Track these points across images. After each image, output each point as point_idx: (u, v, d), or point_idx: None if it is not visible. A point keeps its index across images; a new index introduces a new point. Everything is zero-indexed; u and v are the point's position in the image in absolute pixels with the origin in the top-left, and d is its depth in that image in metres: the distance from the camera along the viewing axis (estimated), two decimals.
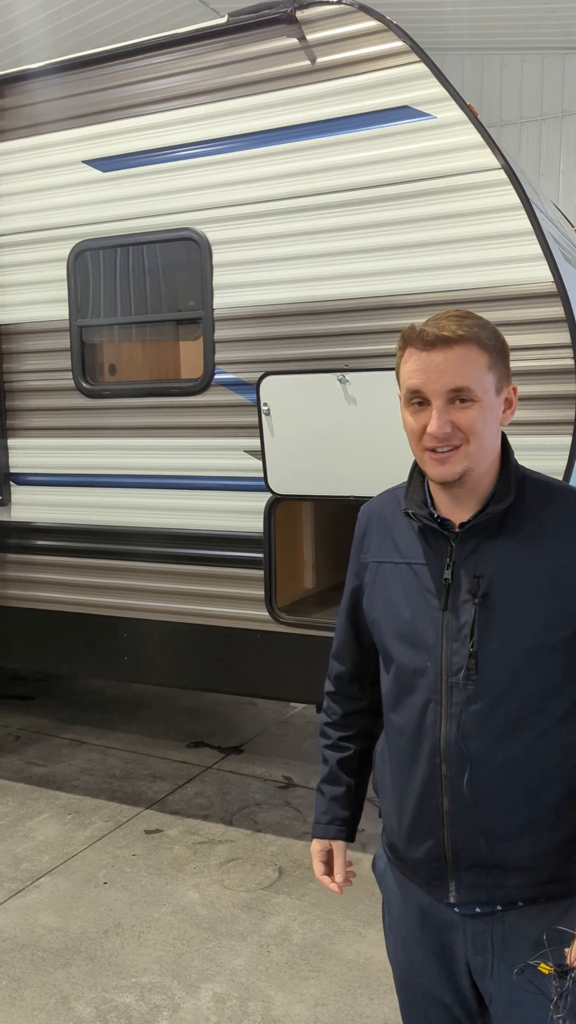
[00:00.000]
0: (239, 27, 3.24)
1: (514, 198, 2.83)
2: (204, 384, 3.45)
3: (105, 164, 3.59)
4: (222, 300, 3.38)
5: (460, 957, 1.54)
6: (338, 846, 1.75)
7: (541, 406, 2.87)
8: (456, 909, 1.52)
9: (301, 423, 3.21)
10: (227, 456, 3.43)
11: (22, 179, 3.79)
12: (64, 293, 3.73)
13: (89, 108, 3.60)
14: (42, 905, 3.29)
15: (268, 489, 3.32)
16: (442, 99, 2.91)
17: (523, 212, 2.82)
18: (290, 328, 3.24)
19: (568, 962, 1.36)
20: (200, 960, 2.93)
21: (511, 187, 2.83)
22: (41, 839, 3.83)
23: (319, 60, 3.11)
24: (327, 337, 3.17)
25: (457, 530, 1.47)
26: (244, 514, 3.41)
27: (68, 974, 2.88)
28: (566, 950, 1.38)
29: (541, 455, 2.89)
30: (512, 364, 2.77)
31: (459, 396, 1.39)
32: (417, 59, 2.94)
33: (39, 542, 3.95)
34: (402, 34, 2.97)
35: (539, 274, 2.82)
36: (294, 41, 3.15)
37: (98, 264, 3.68)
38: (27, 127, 3.75)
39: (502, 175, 2.84)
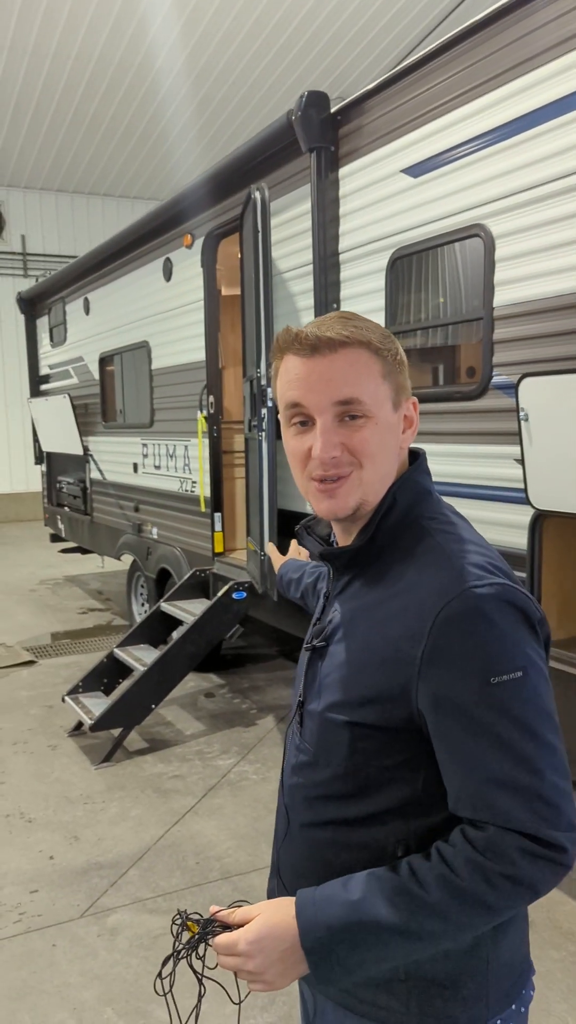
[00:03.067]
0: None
1: None
2: (482, 388, 3.26)
3: (416, 170, 3.60)
4: (501, 298, 3.15)
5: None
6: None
7: None
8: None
9: (560, 430, 2.84)
10: (501, 465, 3.20)
11: (358, 197, 4.00)
12: (382, 302, 3.85)
13: (405, 117, 3.64)
14: None
15: (528, 502, 3.01)
16: None
17: None
18: (554, 324, 2.88)
19: (201, 920, 1.16)
20: None
21: None
22: None
23: None
24: None
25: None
26: (507, 528, 3.14)
27: None
28: (211, 909, 1.17)
29: None
30: None
31: (349, 411, 1.15)
32: None
33: None
34: None
35: None
36: None
37: (407, 271, 3.71)
38: (363, 147, 3.94)
39: None
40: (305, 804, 1.26)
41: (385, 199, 3.80)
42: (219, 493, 5.68)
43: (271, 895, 1.37)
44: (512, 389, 3.09)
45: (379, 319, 3.86)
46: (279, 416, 1.24)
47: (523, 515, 3.07)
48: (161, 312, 6.35)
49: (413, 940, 1.05)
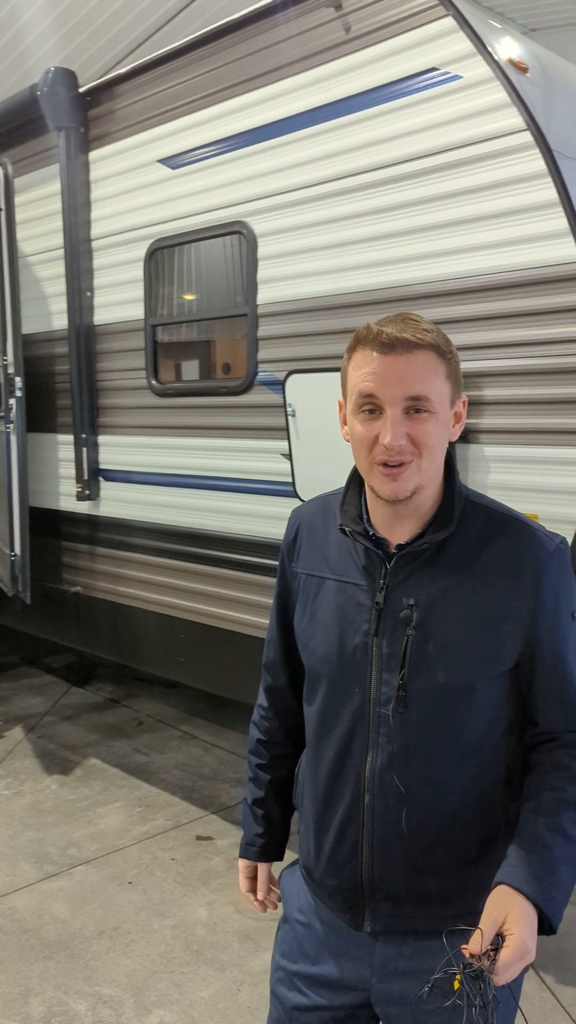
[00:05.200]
0: (282, 4, 3.04)
1: (539, 164, 2.37)
2: (248, 384, 3.31)
3: (173, 161, 3.57)
4: (264, 295, 3.22)
5: (362, 982, 1.46)
6: (265, 866, 1.70)
7: (565, 411, 2.39)
8: (369, 936, 1.45)
9: (324, 426, 2.96)
10: (267, 459, 3.27)
11: (111, 183, 3.88)
12: (141, 293, 3.77)
13: (161, 107, 3.59)
14: (63, 894, 3.36)
15: (296, 495, 3.11)
16: (469, 55, 2.52)
17: (549, 180, 2.36)
18: (316, 324, 3.00)
19: (475, 963, 1.16)
20: (168, 984, 2.82)
21: (537, 151, 2.38)
22: (101, 827, 3.92)
23: (353, 29, 2.84)
24: (348, 333, 2.89)
25: (393, 551, 1.37)
26: (276, 520, 3.23)
27: (44, 968, 2.90)
28: (463, 948, 1.17)
29: (565, 470, 2.41)
30: (533, 361, 2.40)
31: (416, 406, 1.28)
32: (445, 13, 2.57)
33: (120, 537, 4.04)
34: None
35: (564, 253, 2.34)
36: (331, 11, 2.89)
37: (167, 263, 3.67)
38: (115, 132, 3.83)
39: (527, 138, 2.40)
40: (420, 776, 1.35)
41: (142, 188, 3.73)
42: None
43: (336, 887, 1.45)
44: (276, 385, 3.17)
45: (138, 310, 3.79)
46: (345, 401, 1.35)
47: (291, 508, 3.15)
48: None
49: None
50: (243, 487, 3.37)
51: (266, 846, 1.68)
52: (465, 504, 1.38)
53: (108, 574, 4.11)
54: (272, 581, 3.30)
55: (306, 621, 1.48)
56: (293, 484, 3.11)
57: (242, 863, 1.71)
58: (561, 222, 2.33)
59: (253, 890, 1.71)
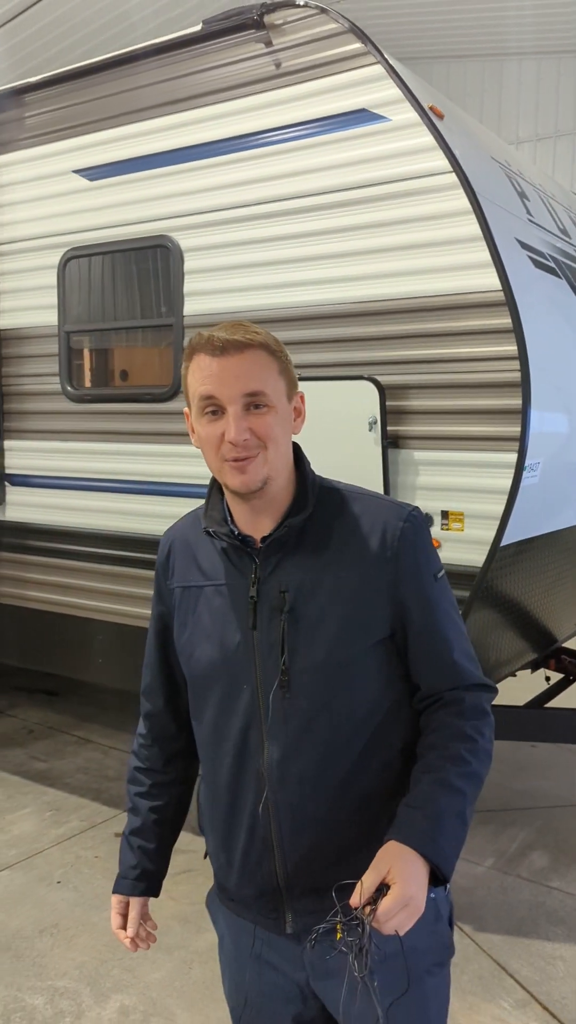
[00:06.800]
0: (212, 34, 3.23)
1: (463, 202, 2.70)
2: (174, 391, 3.45)
3: (92, 173, 3.65)
4: (191, 307, 3.37)
5: (302, 989, 1.49)
6: (137, 902, 1.62)
7: (486, 420, 2.72)
8: (294, 938, 1.46)
9: None
10: (193, 463, 3.42)
11: (21, 189, 3.90)
12: (54, 299, 3.81)
13: (79, 119, 3.66)
14: None
15: None
16: (397, 101, 2.81)
17: (472, 217, 2.68)
18: None
19: (357, 911, 1.18)
20: (119, 970, 2.91)
21: (461, 191, 2.70)
22: (16, 833, 3.91)
23: (284, 65, 3.06)
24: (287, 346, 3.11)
25: (259, 546, 1.42)
26: None
27: None
28: (351, 901, 1.20)
29: (485, 472, 2.75)
30: (457, 376, 2.68)
31: (254, 401, 1.35)
32: (375, 61, 2.85)
33: (29, 542, 4.04)
34: (361, 36, 2.89)
35: (486, 282, 2.68)
36: (261, 46, 3.11)
37: (84, 271, 3.74)
38: (25, 139, 3.86)
39: (452, 179, 2.72)
40: (315, 760, 1.39)
41: (55, 196, 3.77)
42: None
43: (253, 894, 1.47)
44: None
45: (51, 316, 3.82)
46: (190, 409, 1.41)
47: None
48: None
49: (473, 801, 1.37)
50: (168, 490, 3.50)
51: (139, 879, 1.61)
52: (320, 490, 1.44)
53: (17, 579, 4.10)
54: None
55: (188, 633, 1.50)
56: None
57: (114, 899, 1.63)
58: (484, 255, 2.66)
59: (124, 927, 1.61)
